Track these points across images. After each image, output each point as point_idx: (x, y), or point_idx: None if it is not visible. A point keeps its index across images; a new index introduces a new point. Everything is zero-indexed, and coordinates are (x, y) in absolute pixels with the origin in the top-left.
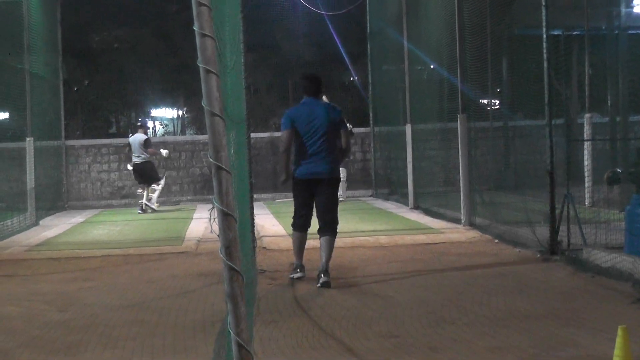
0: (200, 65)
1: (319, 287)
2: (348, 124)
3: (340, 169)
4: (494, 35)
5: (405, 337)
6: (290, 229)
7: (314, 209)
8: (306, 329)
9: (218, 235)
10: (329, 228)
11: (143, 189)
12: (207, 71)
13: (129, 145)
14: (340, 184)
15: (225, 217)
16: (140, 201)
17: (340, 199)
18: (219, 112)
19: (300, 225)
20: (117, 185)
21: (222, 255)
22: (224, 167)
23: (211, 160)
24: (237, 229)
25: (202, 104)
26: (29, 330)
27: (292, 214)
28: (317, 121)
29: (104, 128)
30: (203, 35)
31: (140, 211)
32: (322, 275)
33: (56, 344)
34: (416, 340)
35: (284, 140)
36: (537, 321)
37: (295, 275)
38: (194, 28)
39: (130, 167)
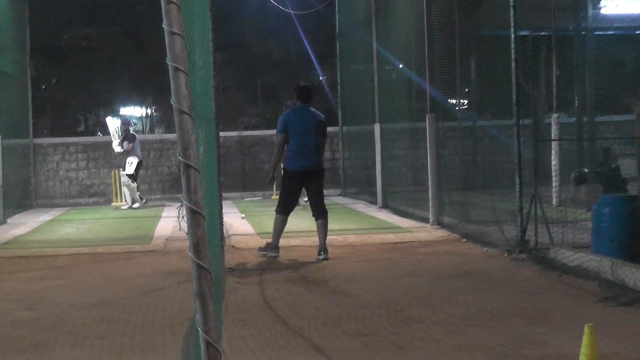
0: (169, 63)
1: (319, 261)
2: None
3: None
4: (463, 36)
5: (374, 336)
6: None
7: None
8: (275, 327)
9: (187, 233)
10: (323, 212)
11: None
12: (176, 69)
13: (131, 136)
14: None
15: (194, 215)
16: (138, 192)
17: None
18: (187, 110)
19: (289, 210)
20: (85, 184)
21: (190, 253)
22: (192, 165)
23: (180, 158)
24: (205, 227)
25: (171, 101)
26: None
27: (280, 201)
28: (309, 124)
29: (72, 126)
30: (172, 33)
31: (143, 200)
32: (323, 253)
33: (23, 343)
34: (385, 338)
35: (280, 142)
36: (505, 320)
37: (272, 254)
38: (163, 26)
39: (137, 159)
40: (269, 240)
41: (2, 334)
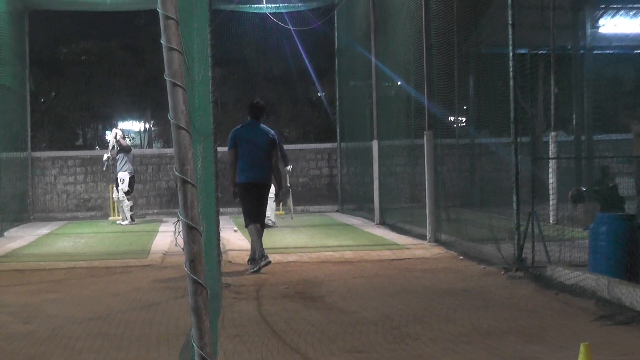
0: (167, 78)
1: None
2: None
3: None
4: (461, 54)
5: (370, 353)
6: None
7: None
8: (271, 343)
9: (183, 249)
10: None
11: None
12: (174, 84)
13: (126, 147)
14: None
15: (190, 231)
16: (131, 212)
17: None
18: (185, 125)
19: (255, 220)
20: (83, 198)
21: (186, 269)
22: (189, 180)
23: (177, 173)
24: (202, 243)
25: (169, 117)
26: None
27: (244, 215)
28: (256, 139)
29: (70, 140)
30: (170, 49)
31: (134, 222)
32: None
33: (19, 356)
34: (381, 355)
35: (229, 158)
36: (501, 338)
37: (264, 263)
38: (162, 41)
39: (129, 175)
40: (255, 256)
41: None
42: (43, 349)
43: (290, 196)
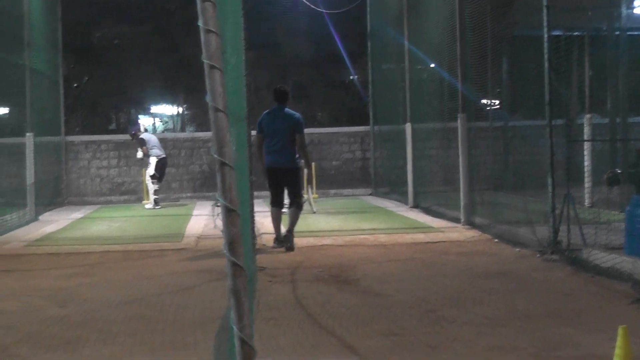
0: (204, 60)
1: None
2: None
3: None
4: (495, 36)
5: (405, 336)
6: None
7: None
8: (306, 326)
9: (222, 231)
10: (293, 202)
11: (157, 184)
12: (211, 67)
13: (140, 140)
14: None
15: (229, 213)
16: (156, 197)
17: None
18: (222, 107)
19: (275, 202)
20: (116, 182)
21: (225, 251)
22: (227, 162)
23: (215, 156)
24: (240, 225)
25: (206, 99)
26: (28, 326)
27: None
28: (279, 124)
29: (103, 124)
30: (207, 31)
31: (158, 206)
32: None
33: (55, 340)
34: (416, 338)
35: (254, 142)
36: (537, 321)
37: (274, 245)
38: (198, 24)
39: (156, 159)
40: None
41: (34, 331)
42: (79, 332)
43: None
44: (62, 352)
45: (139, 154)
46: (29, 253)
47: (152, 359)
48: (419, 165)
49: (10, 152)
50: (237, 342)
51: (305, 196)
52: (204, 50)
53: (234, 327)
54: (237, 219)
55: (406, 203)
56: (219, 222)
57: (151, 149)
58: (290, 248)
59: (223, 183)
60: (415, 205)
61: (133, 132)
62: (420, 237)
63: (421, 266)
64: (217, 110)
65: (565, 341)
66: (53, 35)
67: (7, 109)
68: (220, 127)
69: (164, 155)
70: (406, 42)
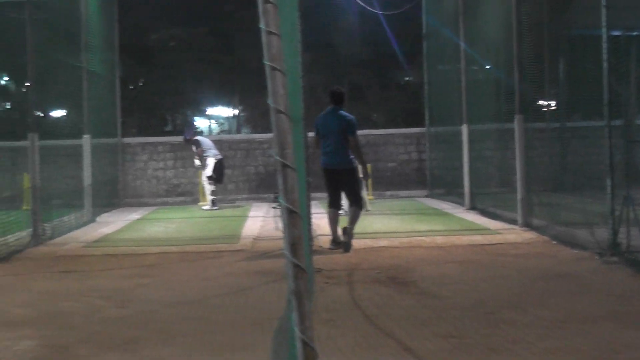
0: (265, 62)
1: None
2: None
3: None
4: (552, 36)
5: (464, 338)
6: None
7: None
8: (364, 328)
9: (283, 232)
10: (353, 202)
11: (214, 185)
12: (273, 68)
13: (195, 141)
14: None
15: (291, 215)
16: (213, 197)
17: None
18: (284, 109)
19: (332, 204)
20: (172, 183)
21: (287, 253)
22: (289, 164)
23: (276, 157)
24: (302, 226)
25: (268, 101)
26: (87, 326)
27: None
28: (331, 126)
29: (160, 126)
30: (269, 33)
31: (216, 207)
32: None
33: (115, 340)
34: (475, 341)
35: (310, 143)
36: (598, 323)
37: (331, 247)
38: (260, 26)
39: (214, 160)
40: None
41: (94, 331)
42: (138, 332)
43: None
44: (122, 352)
45: (197, 162)
46: (87, 254)
47: (210, 359)
48: (476, 167)
49: (67, 154)
50: (298, 344)
51: None
52: (265, 52)
53: (296, 328)
54: (299, 221)
55: (462, 205)
56: (280, 224)
57: (207, 151)
58: (347, 249)
59: (285, 185)
60: (472, 207)
61: (188, 137)
62: (478, 238)
63: (479, 268)
64: (278, 111)
65: (627, 344)
66: (110, 37)
67: (65, 110)
68: (282, 128)
69: (220, 157)
70: (462, 42)
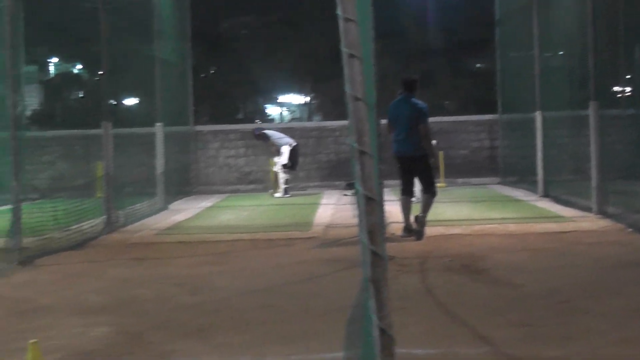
0: (343, 49)
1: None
2: None
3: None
4: (628, 20)
5: (538, 327)
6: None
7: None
8: (437, 316)
9: (359, 219)
10: (426, 190)
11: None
12: (351, 55)
13: (263, 135)
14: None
15: (368, 202)
16: (286, 186)
17: None
18: (361, 96)
19: (405, 191)
20: (244, 171)
21: (364, 240)
22: (367, 151)
23: (354, 145)
24: (379, 214)
25: (345, 88)
26: (161, 313)
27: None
28: (400, 113)
29: (231, 114)
30: (347, 20)
31: (288, 195)
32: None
33: (188, 327)
34: (549, 329)
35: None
36: None
37: (403, 234)
38: (337, 13)
39: (289, 147)
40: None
41: (167, 318)
42: (211, 319)
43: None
44: (195, 339)
45: (283, 159)
46: (159, 241)
47: (283, 347)
48: (549, 154)
49: (140, 142)
50: (376, 332)
51: None
52: (342, 39)
53: (373, 316)
54: (377, 208)
55: (535, 192)
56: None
57: (279, 140)
58: (419, 237)
59: (362, 172)
60: (545, 195)
61: (257, 133)
62: (551, 226)
63: (552, 256)
64: (356, 99)
65: None
66: (182, 26)
67: (138, 99)
68: (360, 116)
69: (295, 143)
70: (535, 29)
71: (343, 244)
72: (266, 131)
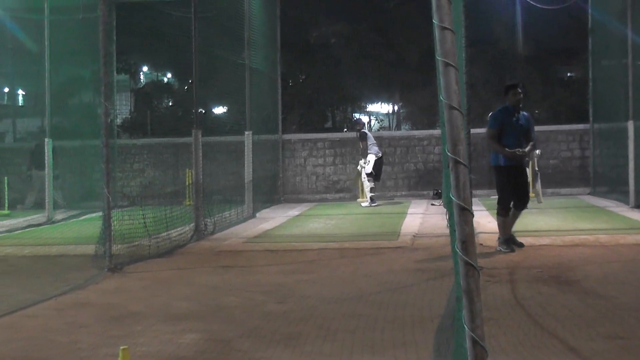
0: (439, 58)
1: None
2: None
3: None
4: None
5: (632, 339)
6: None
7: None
8: (526, 327)
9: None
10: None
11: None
12: (446, 64)
13: (362, 134)
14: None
15: (462, 212)
16: (372, 194)
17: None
18: (457, 105)
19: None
20: (332, 180)
21: (458, 250)
22: (461, 161)
23: (449, 154)
24: (473, 224)
25: (440, 97)
26: (249, 321)
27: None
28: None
29: (319, 122)
30: (443, 28)
31: (374, 204)
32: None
33: (276, 335)
34: None
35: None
36: None
37: (502, 248)
38: (434, 21)
39: (375, 157)
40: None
41: (256, 326)
42: (299, 328)
43: (539, 180)
44: (283, 347)
45: (368, 168)
46: (247, 249)
47: (371, 356)
48: None
49: (229, 150)
50: (469, 342)
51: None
52: (438, 48)
53: (466, 326)
54: (470, 218)
55: (627, 203)
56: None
57: (371, 147)
58: (516, 247)
59: (457, 181)
60: (637, 205)
61: (360, 128)
62: None
63: None
64: (451, 107)
65: None
66: (272, 34)
67: (227, 107)
68: (455, 125)
69: (380, 154)
70: (630, 36)
71: (431, 254)
72: (367, 132)
